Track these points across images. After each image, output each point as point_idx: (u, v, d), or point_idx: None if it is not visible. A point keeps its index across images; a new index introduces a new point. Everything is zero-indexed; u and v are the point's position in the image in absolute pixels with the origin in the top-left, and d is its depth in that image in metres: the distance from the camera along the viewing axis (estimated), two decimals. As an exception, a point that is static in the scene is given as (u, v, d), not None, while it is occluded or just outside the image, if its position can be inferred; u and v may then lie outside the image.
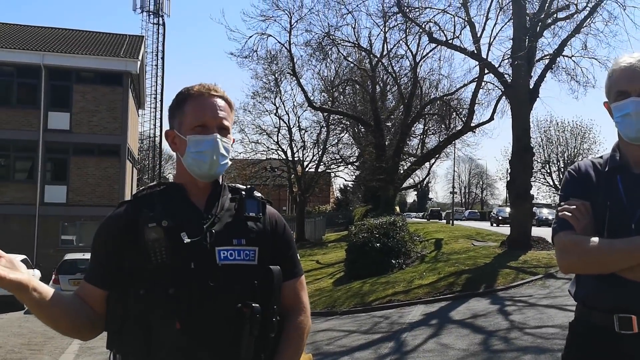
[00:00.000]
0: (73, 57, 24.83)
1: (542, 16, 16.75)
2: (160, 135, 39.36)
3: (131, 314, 1.58)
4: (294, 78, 27.20)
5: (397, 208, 33.26)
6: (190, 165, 1.68)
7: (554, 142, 48.11)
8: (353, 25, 24.74)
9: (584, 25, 16.95)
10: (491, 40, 20.78)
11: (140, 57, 26.53)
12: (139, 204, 1.66)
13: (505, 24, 19.81)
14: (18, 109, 24.28)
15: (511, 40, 17.07)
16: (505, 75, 17.70)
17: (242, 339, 1.57)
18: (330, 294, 13.88)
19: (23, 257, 15.25)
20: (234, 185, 1.81)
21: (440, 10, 19.33)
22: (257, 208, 1.74)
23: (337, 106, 31.13)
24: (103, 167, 25.12)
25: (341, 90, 31.40)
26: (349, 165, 39.45)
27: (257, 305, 1.57)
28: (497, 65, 18.50)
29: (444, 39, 19.57)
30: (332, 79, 30.45)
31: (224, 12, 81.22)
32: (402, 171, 29.04)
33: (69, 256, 17.22)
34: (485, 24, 20.75)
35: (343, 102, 32.46)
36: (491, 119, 23.43)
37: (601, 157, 2.00)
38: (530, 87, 16.62)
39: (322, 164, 37.57)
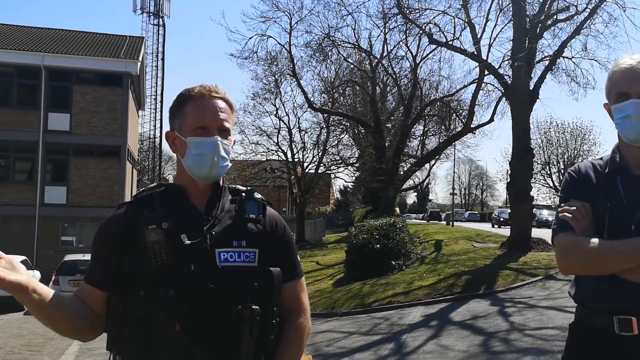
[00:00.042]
0: (73, 58, 24.81)
1: (542, 17, 16.75)
2: (160, 137, 39.43)
3: (131, 315, 1.58)
4: (294, 79, 27.20)
5: (397, 209, 33.23)
6: (191, 167, 1.68)
7: (554, 143, 48.20)
8: (353, 27, 24.64)
9: (584, 26, 16.96)
10: (491, 41, 20.93)
11: (140, 58, 26.52)
12: (139, 206, 1.66)
13: (505, 25, 19.87)
14: (18, 110, 24.25)
15: (511, 42, 17.09)
16: (505, 77, 17.72)
17: (242, 340, 1.56)
18: (330, 295, 13.89)
19: (23, 258, 15.26)
20: (234, 186, 1.81)
21: (440, 12, 19.37)
22: (257, 210, 1.74)
23: (337, 107, 31.11)
24: (103, 168, 25.10)
25: (341, 91, 31.40)
26: (349, 167, 39.45)
27: (257, 307, 1.57)
28: (497, 67, 18.58)
29: (444, 40, 19.60)
30: (332, 80, 30.47)
31: (224, 13, 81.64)
32: (402, 172, 29.06)
33: (69, 257, 17.23)
34: (485, 25, 20.87)
35: (343, 103, 32.45)
36: (491, 120, 23.49)
37: (601, 158, 1.99)
38: (530, 88, 16.62)
39: (322, 165, 37.59)
